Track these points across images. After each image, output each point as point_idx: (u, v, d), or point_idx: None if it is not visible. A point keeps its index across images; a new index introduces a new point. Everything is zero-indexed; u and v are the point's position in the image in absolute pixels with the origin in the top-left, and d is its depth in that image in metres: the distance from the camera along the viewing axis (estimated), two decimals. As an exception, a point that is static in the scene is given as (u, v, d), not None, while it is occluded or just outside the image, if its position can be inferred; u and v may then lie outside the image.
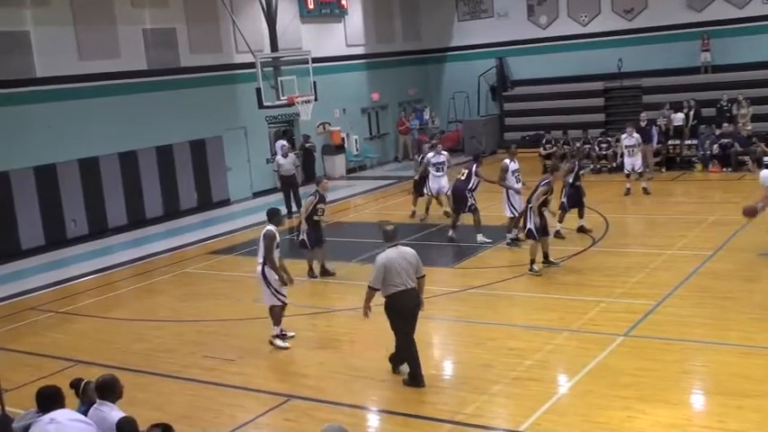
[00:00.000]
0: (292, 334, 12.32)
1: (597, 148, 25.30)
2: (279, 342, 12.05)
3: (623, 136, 21.63)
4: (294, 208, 21.44)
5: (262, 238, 12.05)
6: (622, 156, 21.81)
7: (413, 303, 9.99)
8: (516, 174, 16.67)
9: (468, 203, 17.16)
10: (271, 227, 12.11)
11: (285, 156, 22.13)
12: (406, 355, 10.17)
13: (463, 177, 17.19)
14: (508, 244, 16.71)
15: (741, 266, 14.03)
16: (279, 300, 12.10)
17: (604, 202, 20.14)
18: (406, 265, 9.88)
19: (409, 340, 10.09)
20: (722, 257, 14.69)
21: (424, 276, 10.15)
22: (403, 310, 9.96)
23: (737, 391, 9.07)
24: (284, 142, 26.73)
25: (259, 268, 12.10)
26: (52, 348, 12.98)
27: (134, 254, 19.42)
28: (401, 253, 9.97)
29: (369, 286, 10.04)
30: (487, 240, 17.05)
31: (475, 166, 17.25)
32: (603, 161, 25.20)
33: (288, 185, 22.00)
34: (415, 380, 10.04)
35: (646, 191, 20.98)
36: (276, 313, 12.14)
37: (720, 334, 10.90)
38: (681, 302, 12.42)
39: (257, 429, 9.50)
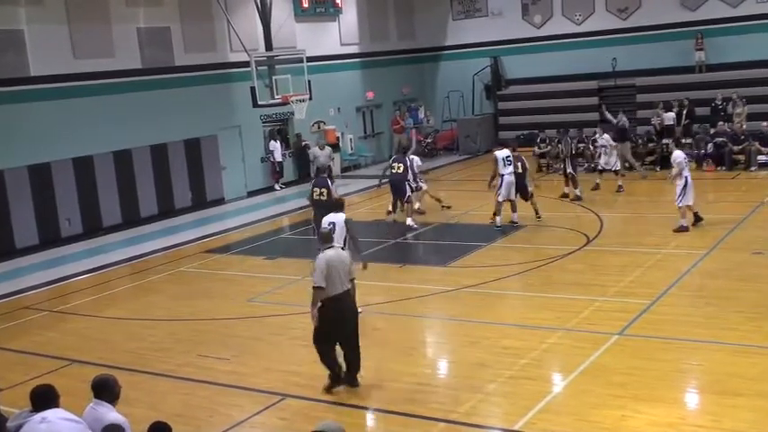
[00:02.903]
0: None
1: (591, 147, 25.29)
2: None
3: (596, 136, 22.69)
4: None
5: (344, 224, 12.39)
6: (599, 156, 22.47)
7: (348, 307, 9.98)
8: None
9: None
10: (343, 214, 12.63)
11: (322, 148, 23.39)
12: (328, 361, 10.03)
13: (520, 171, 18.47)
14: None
15: (735, 265, 14.07)
16: None
17: (599, 201, 20.22)
18: (343, 267, 9.91)
19: (328, 348, 10.00)
20: (716, 256, 14.73)
21: (354, 279, 10.22)
22: (337, 314, 9.87)
23: (732, 390, 9.10)
24: (277, 144, 26.91)
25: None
26: (47, 347, 12.96)
27: (129, 253, 19.38)
28: (338, 255, 10.04)
29: (314, 286, 9.77)
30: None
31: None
32: (598, 159, 25.21)
33: None
34: (334, 382, 10.06)
35: (620, 188, 21.48)
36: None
37: (715, 333, 10.93)
38: (675, 301, 12.45)
39: (252, 428, 9.49)
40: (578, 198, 20.65)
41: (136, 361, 11.86)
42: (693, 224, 16.74)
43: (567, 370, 10.11)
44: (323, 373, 10.78)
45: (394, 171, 19.40)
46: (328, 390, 10.08)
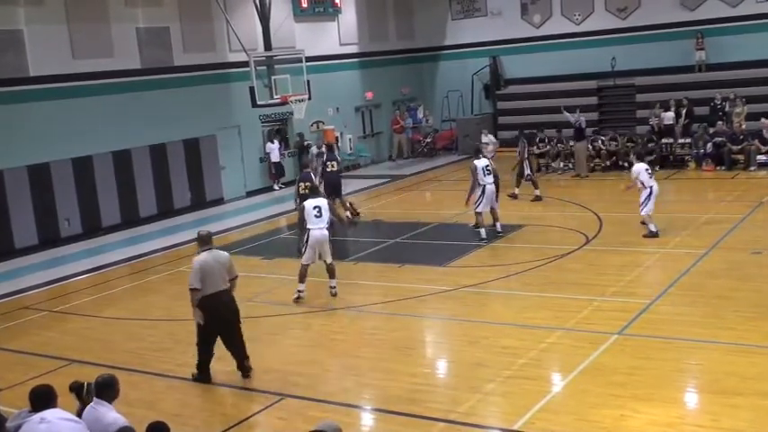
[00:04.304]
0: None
1: (590, 147, 25.30)
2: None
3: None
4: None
5: (327, 205, 13.97)
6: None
7: (224, 305, 10.48)
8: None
9: None
10: (323, 198, 14.36)
11: (320, 147, 24.10)
12: (204, 356, 10.68)
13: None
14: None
15: (734, 265, 14.06)
16: None
17: (598, 201, 20.22)
18: (220, 268, 10.44)
19: (207, 347, 10.63)
20: (715, 256, 14.73)
21: (236, 278, 10.72)
22: (213, 312, 10.40)
23: (731, 389, 9.10)
24: (274, 145, 26.94)
25: (326, 232, 13.79)
26: (46, 347, 12.95)
27: (128, 253, 19.39)
28: (215, 256, 10.51)
29: (190, 288, 10.39)
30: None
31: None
32: (597, 159, 25.25)
33: None
34: (206, 376, 10.69)
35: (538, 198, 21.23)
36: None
37: (714, 332, 10.92)
38: (674, 301, 12.44)
39: (250, 428, 9.50)
40: (539, 198, 20.98)
41: (135, 361, 11.86)
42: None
43: (566, 370, 10.11)
44: (321, 373, 10.82)
45: (329, 170, 20.19)
46: (194, 377, 10.77)
